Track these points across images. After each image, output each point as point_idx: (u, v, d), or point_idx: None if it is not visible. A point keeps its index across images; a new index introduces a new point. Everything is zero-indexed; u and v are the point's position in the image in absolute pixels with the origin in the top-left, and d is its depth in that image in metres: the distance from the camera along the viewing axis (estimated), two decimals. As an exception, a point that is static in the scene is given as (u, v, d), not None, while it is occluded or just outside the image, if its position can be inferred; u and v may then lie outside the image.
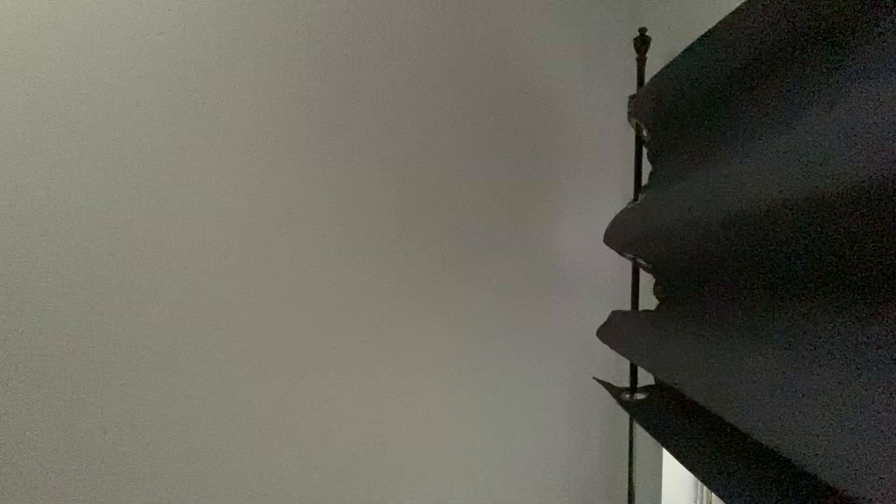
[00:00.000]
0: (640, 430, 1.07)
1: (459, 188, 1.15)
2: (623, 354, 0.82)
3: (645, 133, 0.91)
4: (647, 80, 0.92)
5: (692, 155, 0.73)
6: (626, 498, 1.08)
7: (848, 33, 0.42)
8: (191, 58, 1.02)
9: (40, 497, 0.96)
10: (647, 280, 0.92)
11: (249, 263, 1.05)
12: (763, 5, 0.50)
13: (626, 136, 1.19)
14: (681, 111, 0.74)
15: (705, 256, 0.62)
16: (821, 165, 0.36)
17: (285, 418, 1.06)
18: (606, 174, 1.22)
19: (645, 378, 0.95)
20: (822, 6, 0.43)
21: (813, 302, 0.46)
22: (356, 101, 1.10)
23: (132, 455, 1.00)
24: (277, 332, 1.06)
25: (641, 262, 0.89)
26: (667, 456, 1.08)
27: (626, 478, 1.08)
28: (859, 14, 0.40)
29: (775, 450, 0.39)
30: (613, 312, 0.96)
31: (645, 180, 0.94)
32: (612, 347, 0.86)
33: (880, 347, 0.37)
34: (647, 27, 0.95)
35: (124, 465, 1.00)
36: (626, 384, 0.95)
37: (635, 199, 0.93)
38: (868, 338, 0.38)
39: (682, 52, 0.67)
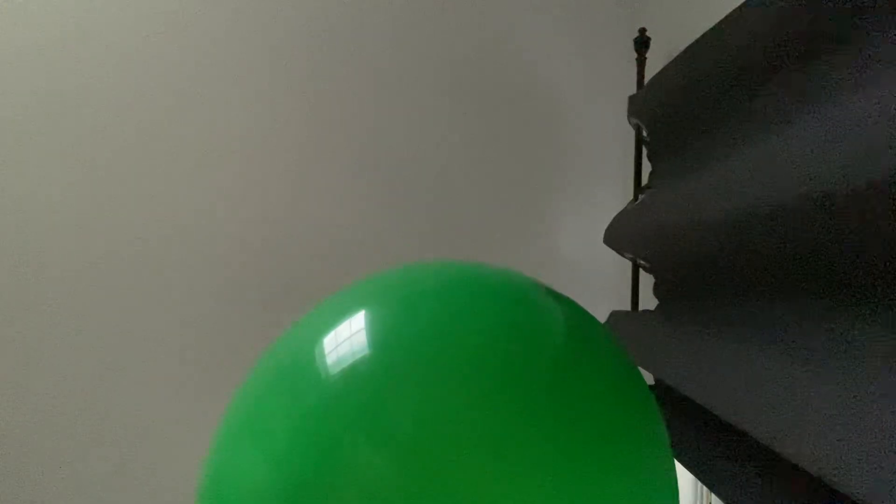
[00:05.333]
0: (640, 430, 1.06)
1: (459, 188, 1.15)
2: (623, 354, 0.82)
3: (645, 133, 0.91)
4: (647, 80, 0.92)
5: (692, 155, 0.73)
6: (626, 498, 1.07)
7: (839, 39, 0.42)
8: (190, 57, 1.02)
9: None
10: (647, 280, 0.92)
11: (249, 265, 1.05)
12: (762, 6, 0.50)
13: (626, 136, 1.19)
14: (681, 111, 0.74)
15: (705, 256, 0.62)
16: (819, 166, 0.36)
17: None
18: (606, 174, 1.22)
19: (645, 378, 0.94)
20: (816, 12, 0.43)
21: (814, 302, 0.46)
22: (355, 101, 1.09)
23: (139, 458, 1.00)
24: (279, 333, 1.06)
25: (641, 262, 0.89)
26: (667, 456, 1.07)
27: (626, 478, 1.07)
28: (850, 23, 0.40)
29: (775, 450, 0.38)
30: (613, 312, 0.96)
31: (645, 180, 0.94)
32: (612, 347, 0.86)
33: (883, 347, 0.37)
34: (647, 27, 0.95)
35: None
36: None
37: (635, 199, 0.93)
38: (871, 338, 0.38)
39: (682, 53, 0.67)
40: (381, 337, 0.30)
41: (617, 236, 0.87)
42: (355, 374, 0.28)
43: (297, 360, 0.31)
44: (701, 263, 0.65)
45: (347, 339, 0.30)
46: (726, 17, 0.56)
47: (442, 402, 0.27)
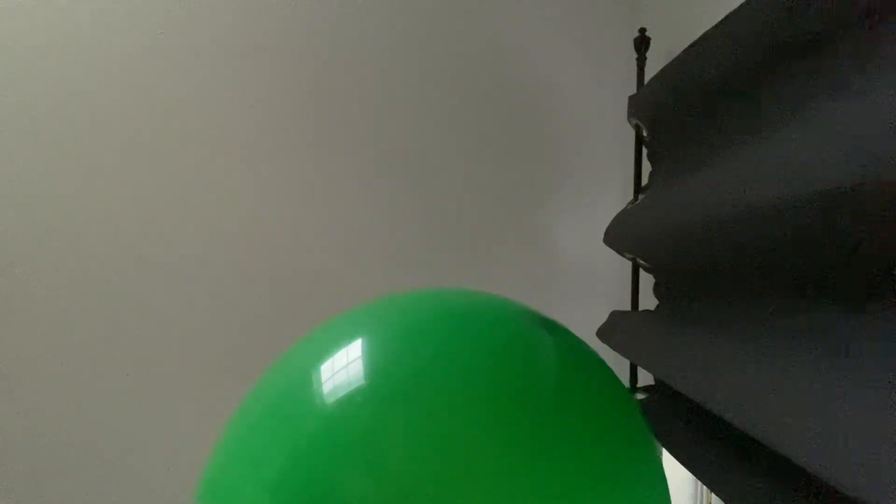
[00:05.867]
0: (640, 430, 1.06)
1: (459, 188, 1.15)
2: (623, 354, 0.82)
3: (645, 133, 0.91)
4: (647, 80, 0.92)
5: (692, 155, 0.73)
6: (626, 498, 1.07)
7: (838, 40, 0.42)
8: (190, 57, 1.02)
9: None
10: (647, 280, 0.92)
11: (249, 265, 1.05)
12: (763, 6, 0.50)
13: (626, 136, 1.19)
14: (681, 111, 0.74)
15: (705, 256, 0.62)
16: (819, 166, 0.36)
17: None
18: (606, 174, 1.22)
19: (645, 378, 0.95)
20: (815, 13, 0.43)
21: (814, 302, 0.46)
22: (355, 101, 1.10)
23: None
24: (280, 335, 1.06)
25: (641, 262, 0.89)
26: (667, 456, 1.07)
27: (626, 478, 1.07)
28: (848, 25, 0.40)
29: (776, 450, 0.39)
30: (613, 312, 0.96)
31: (645, 180, 0.94)
32: (612, 347, 0.86)
33: (884, 347, 0.37)
34: (647, 27, 0.95)
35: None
36: (626, 384, 0.95)
37: (635, 199, 0.93)
38: (872, 338, 0.38)
39: (682, 52, 0.67)
40: (376, 367, 0.30)
41: (617, 236, 0.87)
42: (351, 403, 0.28)
43: (292, 387, 0.31)
44: (701, 263, 0.65)
45: (343, 368, 0.30)
46: (726, 18, 0.56)
47: (436, 433, 0.27)
